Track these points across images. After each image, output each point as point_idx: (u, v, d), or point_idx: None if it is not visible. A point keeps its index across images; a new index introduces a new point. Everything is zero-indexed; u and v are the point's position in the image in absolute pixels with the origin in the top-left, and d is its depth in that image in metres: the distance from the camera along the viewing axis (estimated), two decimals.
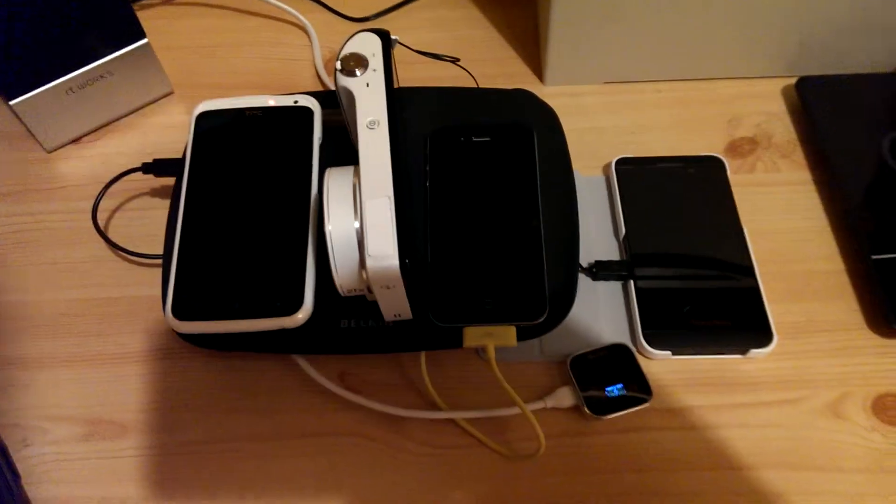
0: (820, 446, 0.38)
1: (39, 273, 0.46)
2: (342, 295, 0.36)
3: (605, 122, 0.52)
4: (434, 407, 0.40)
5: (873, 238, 0.43)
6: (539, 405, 0.39)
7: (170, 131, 0.53)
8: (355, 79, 0.37)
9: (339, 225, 0.34)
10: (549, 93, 0.53)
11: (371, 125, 0.36)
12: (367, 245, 0.33)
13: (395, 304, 0.36)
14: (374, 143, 0.35)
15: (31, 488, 0.39)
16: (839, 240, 0.45)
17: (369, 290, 0.35)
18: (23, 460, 0.39)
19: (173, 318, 0.37)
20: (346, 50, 0.38)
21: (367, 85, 0.37)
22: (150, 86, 0.53)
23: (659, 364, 0.41)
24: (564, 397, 0.39)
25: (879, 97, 0.50)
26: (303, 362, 0.41)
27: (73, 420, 0.41)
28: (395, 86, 0.42)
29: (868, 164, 0.47)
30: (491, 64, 0.55)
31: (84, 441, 0.40)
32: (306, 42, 0.58)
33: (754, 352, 0.40)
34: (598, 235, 0.46)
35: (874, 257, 0.43)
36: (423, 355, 0.39)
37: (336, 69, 0.37)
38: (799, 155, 0.49)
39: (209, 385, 0.41)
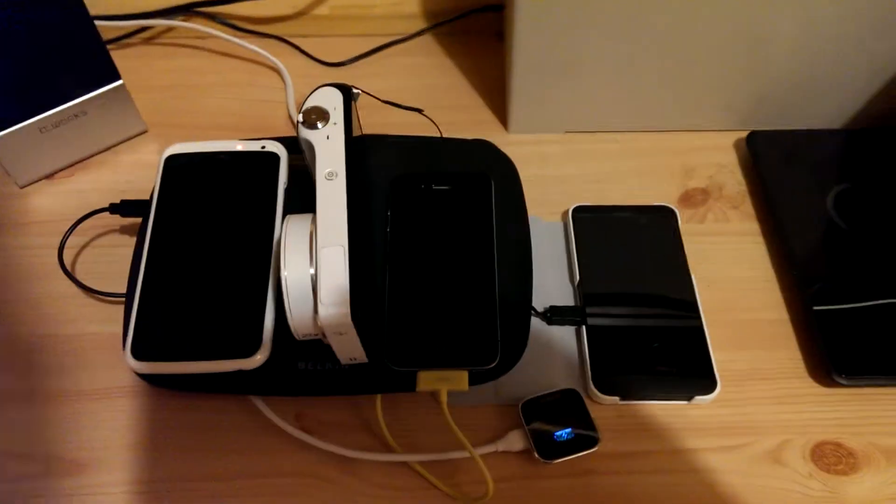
0: (760, 492, 0.40)
1: (5, 307, 0.47)
2: (297, 339, 0.37)
3: (566, 170, 0.54)
4: (388, 449, 0.41)
5: (815, 290, 0.45)
6: (490, 448, 0.40)
7: (143, 169, 0.54)
8: (316, 131, 0.39)
9: (294, 271, 0.35)
10: (512, 140, 0.55)
11: (329, 176, 0.37)
12: (321, 293, 0.34)
13: (348, 349, 0.37)
14: (332, 193, 0.37)
15: None
16: (783, 290, 0.47)
17: (324, 335, 0.36)
18: None
19: (133, 359, 0.38)
20: (309, 103, 0.39)
21: (328, 137, 0.38)
22: (124, 124, 0.54)
23: (608, 409, 0.42)
24: (515, 441, 0.40)
25: (826, 153, 0.52)
26: (260, 403, 0.41)
27: (31, 457, 0.41)
28: (360, 132, 0.44)
29: (812, 218, 0.49)
30: (458, 111, 0.57)
31: (41, 478, 0.40)
32: (280, 85, 0.59)
33: (699, 398, 0.42)
34: (555, 280, 0.47)
35: (816, 308, 0.44)
36: (378, 398, 0.40)
37: (298, 122, 0.39)
38: (748, 206, 0.51)
39: (167, 424, 0.42)
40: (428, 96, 0.58)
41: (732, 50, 0.49)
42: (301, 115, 0.39)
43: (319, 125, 0.39)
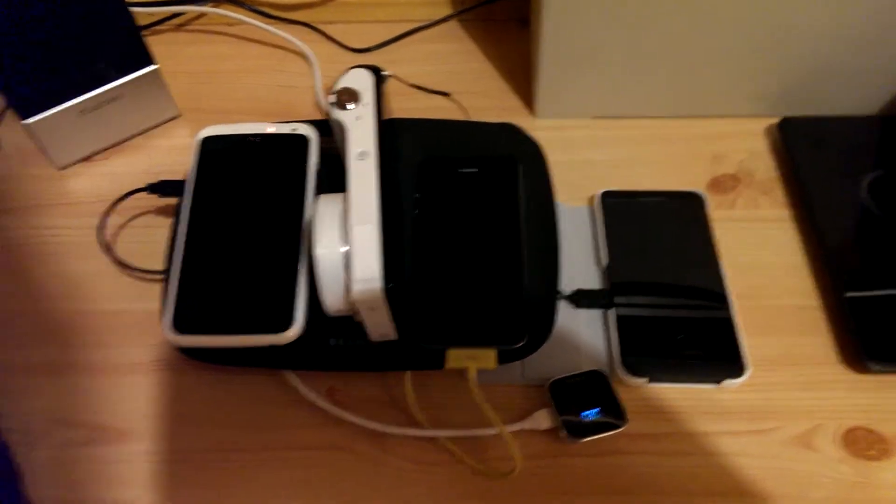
0: (789, 476, 0.40)
1: (48, 284, 0.48)
2: (329, 315, 0.38)
3: (593, 156, 0.53)
4: (417, 424, 0.41)
5: (848, 276, 0.45)
6: (517, 426, 0.41)
7: (175, 153, 0.55)
8: (347, 112, 0.39)
9: (326, 249, 0.36)
10: (539, 126, 0.55)
11: (361, 156, 0.38)
12: (353, 269, 0.35)
13: (379, 326, 0.38)
14: (363, 172, 0.37)
15: (33, 489, 0.40)
16: (815, 276, 0.47)
17: (356, 311, 0.37)
18: (26, 462, 0.41)
19: (172, 332, 0.39)
20: (340, 85, 0.40)
21: (358, 118, 0.39)
22: (158, 109, 0.56)
23: (635, 391, 0.42)
24: (542, 420, 0.41)
25: (859, 139, 0.52)
26: (292, 377, 0.42)
27: (76, 425, 0.42)
28: (389, 116, 0.45)
29: (846, 204, 0.48)
30: (485, 96, 0.57)
31: (85, 445, 0.42)
32: (308, 70, 0.60)
33: (727, 382, 0.42)
34: (582, 264, 0.47)
35: (848, 294, 0.44)
36: (408, 374, 0.41)
37: (330, 103, 0.39)
38: (779, 193, 0.51)
39: (204, 396, 0.43)
40: (453, 82, 0.58)
41: (763, 35, 0.48)
42: (332, 97, 0.39)
43: (350, 106, 0.39)
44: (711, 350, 0.42)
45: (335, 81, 0.41)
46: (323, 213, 0.37)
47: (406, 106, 0.54)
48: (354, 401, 0.42)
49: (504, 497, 0.39)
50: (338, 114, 0.39)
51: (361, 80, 0.41)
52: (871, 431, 0.41)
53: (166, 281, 0.41)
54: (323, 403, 0.41)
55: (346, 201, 0.37)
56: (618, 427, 0.40)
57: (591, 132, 0.55)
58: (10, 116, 0.56)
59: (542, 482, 0.40)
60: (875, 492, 0.39)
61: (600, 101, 0.54)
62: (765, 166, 0.52)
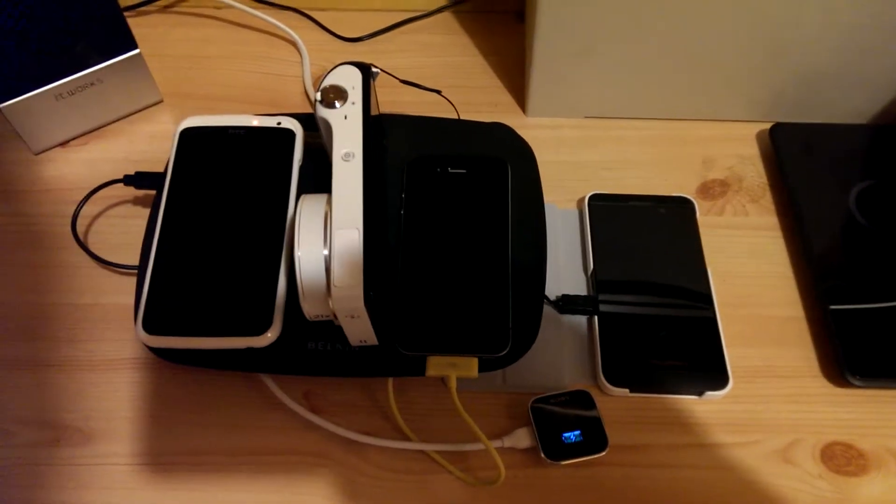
0: (767, 491, 0.39)
1: (16, 274, 0.47)
2: (309, 320, 0.37)
3: (584, 157, 0.53)
4: (397, 431, 0.41)
5: (833, 288, 0.44)
6: (497, 443, 0.40)
7: (157, 140, 0.54)
8: (334, 111, 0.38)
9: (308, 252, 0.35)
10: (530, 124, 0.54)
11: (346, 157, 0.37)
12: (333, 275, 0.34)
13: (360, 332, 0.37)
14: (348, 174, 0.36)
15: None
16: (800, 287, 0.46)
17: (335, 316, 0.36)
18: None
19: (143, 332, 0.38)
20: (327, 82, 0.39)
21: (345, 117, 0.38)
22: (140, 94, 0.54)
23: (616, 401, 0.42)
24: (522, 438, 0.40)
25: (851, 148, 0.51)
26: (268, 381, 0.41)
27: (42, 424, 0.41)
28: (377, 112, 0.43)
29: (834, 214, 0.48)
30: (477, 91, 0.56)
31: (51, 446, 0.41)
32: (297, 59, 0.59)
33: (710, 394, 0.42)
34: (568, 268, 0.47)
35: (832, 307, 0.44)
36: (390, 382, 0.40)
37: (315, 100, 0.38)
38: (768, 200, 0.50)
39: (176, 398, 0.42)
40: (445, 75, 0.57)
41: (757, 39, 0.47)
42: (319, 94, 0.38)
43: (337, 104, 0.38)
44: (695, 361, 0.42)
45: (321, 78, 0.39)
46: (306, 215, 0.36)
47: (394, 99, 0.53)
48: (332, 405, 0.42)
49: None
50: (324, 112, 0.38)
51: (350, 78, 0.39)
52: (850, 447, 0.41)
53: (140, 278, 0.40)
54: (298, 408, 0.41)
55: (329, 203, 0.36)
56: (598, 452, 0.39)
57: (582, 132, 0.54)
58: None
59: (521, 493, 0.39)
60: None
61: (593, 101, 0.53)
62: (755, 172, 0.52)
